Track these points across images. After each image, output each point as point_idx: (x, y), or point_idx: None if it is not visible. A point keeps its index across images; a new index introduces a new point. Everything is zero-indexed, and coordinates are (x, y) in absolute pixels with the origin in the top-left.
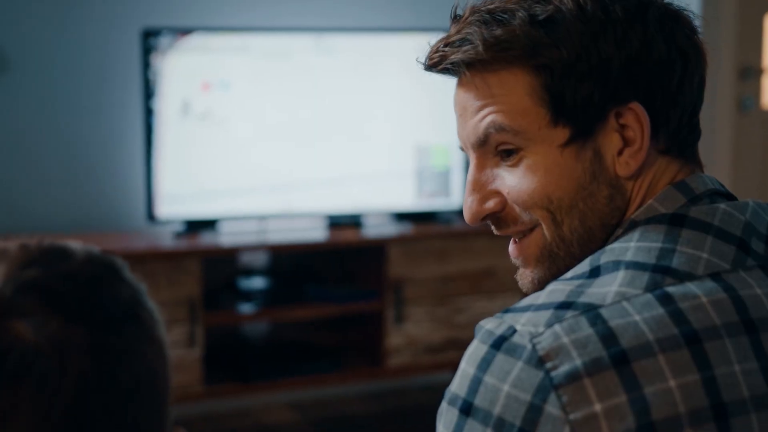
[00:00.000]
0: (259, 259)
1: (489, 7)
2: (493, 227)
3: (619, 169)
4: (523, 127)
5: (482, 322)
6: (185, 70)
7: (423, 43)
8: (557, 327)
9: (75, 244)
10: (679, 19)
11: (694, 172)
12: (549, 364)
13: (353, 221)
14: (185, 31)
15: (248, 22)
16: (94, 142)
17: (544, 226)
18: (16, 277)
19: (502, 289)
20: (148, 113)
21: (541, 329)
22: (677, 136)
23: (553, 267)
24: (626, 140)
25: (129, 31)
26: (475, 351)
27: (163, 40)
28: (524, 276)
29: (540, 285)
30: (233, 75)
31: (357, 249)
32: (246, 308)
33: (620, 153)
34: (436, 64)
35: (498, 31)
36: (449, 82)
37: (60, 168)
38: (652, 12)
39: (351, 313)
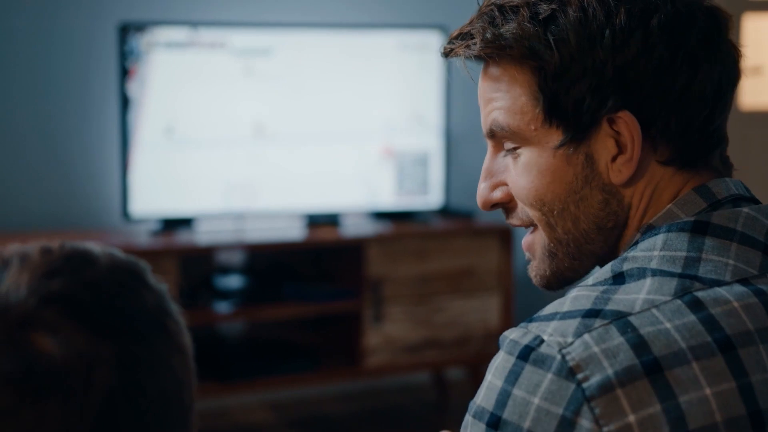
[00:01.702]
0: (236, 258)
1: (500, 1)
2: (504, 215)
3: (612, 176)
4: (520, 127)
5: (506, 333)
6: (162, 66)
7: (404, 40)
8: (587, 336)
9: (96, 247)
10: (693, 23)
11: (710, 180)
12: (580, 375)
13: (331, 220)
14: (163, 26)
15: (227, 17)
16: (70, 138)
17: (540, 226)
18: (39, 287)
19: (480, 289)
20: (125, 110)
21: (570, 339)
22: (683, 145)
23: (553, 265)
24: (621, 147)
25: (106, 26)
26: (501, 362)
27: (141, 35)
28: (531, 269)
29: (545, 280)
30: (211, 71)
31: (335, 248)
32: (223, 307)
33: (614, 159)
34: (446, 54)
35: (499, 29)
36: (430, 81)
37: (35, 164)
38: (658, 17)
39: (329, 313)
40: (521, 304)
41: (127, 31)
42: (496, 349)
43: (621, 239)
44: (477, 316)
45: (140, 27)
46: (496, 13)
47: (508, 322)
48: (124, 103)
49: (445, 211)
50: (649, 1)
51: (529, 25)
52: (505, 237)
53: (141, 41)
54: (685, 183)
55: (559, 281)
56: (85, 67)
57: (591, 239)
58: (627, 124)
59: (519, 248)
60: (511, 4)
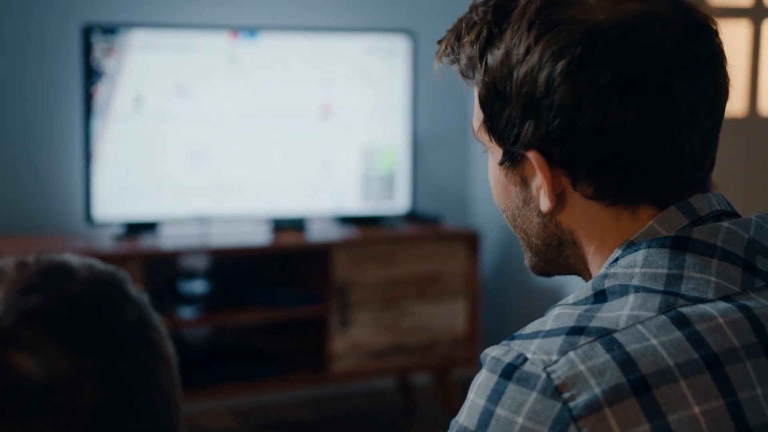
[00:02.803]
0: (201, 263)
1: (467, 15)
2: None
3: (540, 205)
4: (479, 136)
5: (488, 350)
6: (126, 68)
7: (371, 44)
8: (572, 354)
9: (74, 259)
10: (639, 45)
11: (658, 212)
12: (566, 394)
13: (297, 225)
14: (127, 28)
15: (193, 20)
16: (33, 141)
17: None
18: (17, 303)
19: (447, 294)
20: (88, 113)
21: (554, 357)
22: (607, 182)
23: (533, 259)
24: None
25: (69, 27)
26: (484, 381)
27: (105, 37)
28: (524, 258)
29: (534, 270)
30: (175, 74)
31: (301, 253)
32: (187, 312)
33: (540, 189)
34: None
35: (454, 42)
36: (396, 85)
37: None
38: (568, 59)
39: (295, 318)
40: (488, 309)
41: (90, 32)
42: (463, 354)
43: (582, 253)
44: (443, 321)
45: (105, 29)
46: (460, 27)
47: (475, 328)
48: (88, 105)
49: (411, 216)
50: (571, 40)
51: (474, 42)
52: (472, 242)
53: (106, 44)
54: (617, 215)
55: (548, 272)
56: (48, 69)
57: (545, 251)
58: (536, 161)
59: (486, 253)
60: (472, 20)
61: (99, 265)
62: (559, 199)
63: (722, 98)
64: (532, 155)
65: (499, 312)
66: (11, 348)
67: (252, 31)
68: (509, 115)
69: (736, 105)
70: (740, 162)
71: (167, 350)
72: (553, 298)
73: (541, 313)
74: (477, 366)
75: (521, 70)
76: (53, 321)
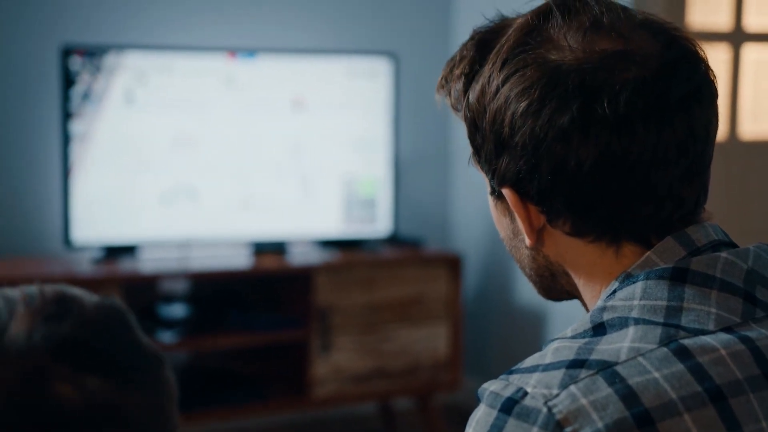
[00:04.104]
0: (181, 287)
1: (461, 46)
2: None
3: (526, 239)
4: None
5: (485, 385)
6: (106, 89)
7: (353, 66)
8: (573, 388)
9: (69, 288)
10: (597, 87)
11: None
12: (568, 429)
13: (278, 248)
14: (106, 49)
15: (174, 41)
16: (10, 162)
17: None
18: (46, 332)
19: (429, 317)
20: (66, 134)
21: (555, 391)
22: (595, 218)
23: (535, 286)
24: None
25: (47, 48)
26: (482, 416)
27: (84, 58)
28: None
29: (540, 294)
30: (156, 95)
31: (282, 277)
32: (167, 337)
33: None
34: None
35: (449, 74)
36: (378, 108)
37: None
38: (528, 100)
39: (275, 342)
40: (470, 333)
41: (69, 53)
42: (445, 378)
43: (574, 283)
44: (425, 345)
45: (84, 50)
46: (456, 61)
47: (457, 352)
48: (66, 127)
49: (393, 240)
50: (532, 81)
51: (461, 77)
52: (454, 266)
53: (84, 65)
54: (601, 252)
55: (552, 298)
56: (26, 90)
57: (539, 281)
58: (510, 198)
59: (468, 277)
60: (462, 53)
61: (90, 294)
62: (540, 234)
63: (701, 135)
64: (506, 192)
65: (482, 336)
66: (50, 377)
67: (251, 52)
68: (487, 150)
69: None
70: (721, 187)
71: (171, 377)
72: (536, 322)
73: (524, 337)
74: (459, 390)
75: (492, 108)
76: (85, 348)
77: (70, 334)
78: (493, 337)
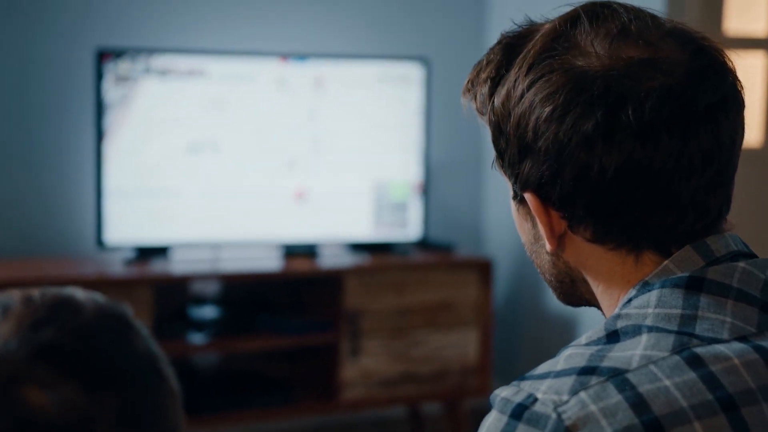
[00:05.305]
0: (212, 288)
1: (488, 50)
2: None
3: (547, 244)
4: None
5: (497, 391)
6: (140, 93)
7: (385, 71)
8: (583, 394)
9: (79, 293)
10: (622, 95)
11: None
12: None
13: (309, 251)
14: (141, 52)
15: (205, 45)
16: (45, 164)
17: None
18: (28, 338)
19: (459, 323)
20: (100, 135)
21: (565, 397)
22: (617, 226)
23: (554, 291)
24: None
25: (83, 51)
26: (493, 422)
27: (119, 61)
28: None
29: (559, 300)
30: (188, 99)
31: (312, 279)
32: (197, 338)
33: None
34: None
35: (475, 78)
36: (410, 112)
37: (9, 190)
38: (553, 104)
39: (304, 345)
40: (500, 338)
41: (104, 57)
42: (474, 383)
43: (593, 291)
44: (455, 350)
45: (118, 53)
46: (483, 62)
47: (487, 357)
48: (100, 129)
49: (423, 244)
50: (557, 87)
51: (486, 80)
52: (484, 270)
53: (117, 68)
54: (622, 260)
55: (572, 303)
56: (61, 93)
57: (559, 287)
58: (532, 203)
59: (498, 282)
60: (489, 57)
61: (102, 299)
62: (561, 240)
63: (726, 144)
64: (528, 196)
65: (512, 341)
66: (25, 384)
67: (264, 56)
68: (511, 155)
69: (751, 136)
70: (755, 194)
71: (174, 382)
72: (566, 328)
73: (554, 342)
74: (488, 397)
75: (517, 112)
76: (66, 356)
77: (53, 341)
78: (522, 343)
